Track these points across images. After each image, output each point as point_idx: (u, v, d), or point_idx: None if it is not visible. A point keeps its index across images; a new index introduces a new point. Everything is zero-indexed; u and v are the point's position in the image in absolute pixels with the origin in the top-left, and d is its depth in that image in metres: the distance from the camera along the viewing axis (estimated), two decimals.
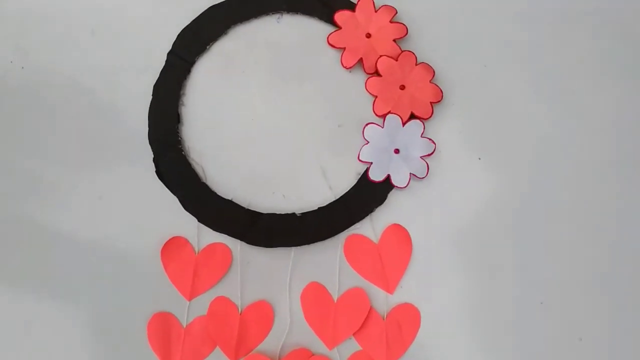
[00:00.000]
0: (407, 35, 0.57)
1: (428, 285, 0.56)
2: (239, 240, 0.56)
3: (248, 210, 0.56)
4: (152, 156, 0.57)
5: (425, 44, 0.58)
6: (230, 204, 0.56)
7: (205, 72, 0.58)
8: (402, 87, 0.56)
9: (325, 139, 0.57)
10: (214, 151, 0.57)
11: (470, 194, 0.57)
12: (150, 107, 0.57)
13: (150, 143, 0.57)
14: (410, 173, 0.56)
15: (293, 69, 0.58)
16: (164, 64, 0.58)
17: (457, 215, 0.57)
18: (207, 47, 0.58)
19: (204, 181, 0.57)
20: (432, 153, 0.56)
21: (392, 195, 0.56)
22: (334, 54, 0.57)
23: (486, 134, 0.58)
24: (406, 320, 0.55)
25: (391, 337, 0.55)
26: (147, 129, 0.57)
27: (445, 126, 0.57)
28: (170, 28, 0.58)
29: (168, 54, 0.58)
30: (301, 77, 0.58)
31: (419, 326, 0.55)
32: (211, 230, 0.56)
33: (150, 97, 0.57)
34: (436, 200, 0.57)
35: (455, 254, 0.56)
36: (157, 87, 0.57)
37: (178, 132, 0.57)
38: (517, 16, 0.59)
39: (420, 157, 0.56)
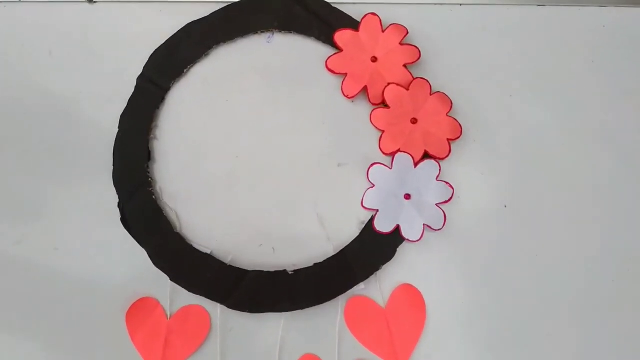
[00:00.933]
0: (419, 60, 0.49)
1: (449, 354, 0.47)
2: (219, 304, 0.47)
3: (230, 266, 0.47)
4: (117, 200, 0.47)
5: (441, 70, 0.50)
6: (209, 259, 0.47)
7: (182, 99, 0.50)
8: (414, 121, 0.48)
9: (323, 180, 0.49)
10: (190, 194, 0.49)
11: (495, 250, 0.48)
12: (115, 142, 0.49)
13: (115, 184, 0.48)
14: (424, 224, 0.47)
15: (285, 98, 0.50)
16: (133, 90, 0.49)
17: (480, 275, 0.48)
18: (185, 70, 0.50)
19: (178, 230, 0.48)
20: (449, 199, 0.47)
21: (403, 250, 0.48)
22: (333, 81, 0.50)
23: (514, 176, 0.49)
24: None
25: None
26: (111, 167, 0.48)
27: (465, 167, 0.49)
28: (141, 48, 0.50)
29: (138, 78, 0.49)
30: (295, 107, 0.50)
31: None
32: (186, 290, 0.47)
33: (116, 130, 0.48)
34: (455, 257, 0.48)
35: (479, 322, 0.47)
36: (124, 118, 0.49)
37: (148, 171, 0.48)
38: (549, 39, 0.51)
39: (436, 204, 0.47)
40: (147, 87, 0.49)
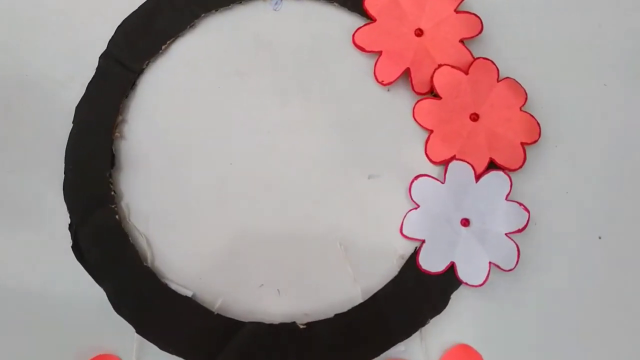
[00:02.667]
0: (482, 34, 0.36)
1: None
2: None
3: (219, 315, 0.34)
4: (68, 221, 0.35)
5: (512, 47, 0.37)
6: (189, 305, 0.34)
7: (159, 85, 0.38)
8: (475, 117, 0.35)
9: (347, 198, 0.36)
10: (167, 214, 0.36)
11: (587, 297, 0.35)
12: (69, 141, 0.36)
13: (67, 199, 0.36)
14: (489, 262, 0.33)
15: (297, 85, 0.37)
16: (93, 72, 0.36)
17: (567, 334, 0.34)
18: (163, 47, 0.37)
19: (149, 264, 0.35)
20: (524, 227, 0.34)
21: (459, 298, 0.34)
22: (362, 62, 0.36)
23: (611, 196, 0.36)
24: None
25: None
26: (62, 175, 0.35)
27: (545, 182, 0.35)
28: (105, 17, 0.38)
29: (100, 57, 0.37)
30: (310, 97, 0.37)
31: None
32: (157, 348, 0.34)
33: (70, 125, 0.36)
34: (532, 307, 0.34)
35: None
36: (81, 109, 0.37)
37: (111, 182, 0.36)
38: None
39: (506, 234, 0.34)
40: (112, 69, 0.37)
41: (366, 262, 0.35)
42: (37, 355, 0.35)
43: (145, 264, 0.35)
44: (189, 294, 0.35)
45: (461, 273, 0.34)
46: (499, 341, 0.34)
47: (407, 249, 0.35)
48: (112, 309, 0.34)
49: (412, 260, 0.34)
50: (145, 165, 0.36)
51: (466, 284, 0.34)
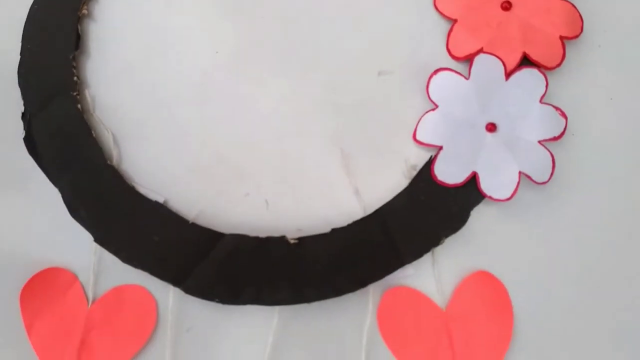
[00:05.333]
0: None
1: None
2: (172, 286, 0.28)
3: (194, 226, 0.29)
4: (21, 109, 0.29)
5: None
6: (160, 212, 0.29)
7: None
8: (507, 6, 0.29)
9: (352, 97, 0.30)
10: (139, 108, 0.30)
11: (629, 222, 0.29)
12: (28, 16, 0.31)
13: (21, 84, 0.30)
14: (519, 171, 0.28)
15: None
16: None
17: (602, 260, 0.29)
18: None
19: (112, 162, 0.29)
20: (560, 135, 0.28)
21: (479, 216, 0.29)
22: None
23: None
24: None
25: None
26: (17, 57, 0.30)
27: (586, 86, 0.30)
28: None
29: None
30: None
31: None
32: (120, 261, 0.28)
33: None
34: (565, 230, 0.29)
35: (594, 332, 0.29)
36: None
37: (74, 66, 0.30)
38: None
39: (539, 141, 0.28)
40: None
41: (371, 172, 0.30)
42: None
43: (109, 163, 0.29)
44: (160, 199, 0.29)
45: (484, 185, 0.28)
46: (525, 269, 0.29)
47: (420, 158, 0.29)
48: (66, 211, 0.29)
49: (426, 170, 0.29)
50: (116, 49, 0.31)
51: (490, 197, 0.28)
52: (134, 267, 0.28)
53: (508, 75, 0.29)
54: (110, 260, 0.29)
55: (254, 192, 0.30)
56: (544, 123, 0.29)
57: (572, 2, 0.29)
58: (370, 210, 0.29)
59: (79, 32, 0.31)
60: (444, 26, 0.30)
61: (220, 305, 0.28)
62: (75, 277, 0.29)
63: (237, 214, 0.30)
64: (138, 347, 0.29)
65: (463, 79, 0.29)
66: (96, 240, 0.29)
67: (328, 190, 0.30)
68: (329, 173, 0.30)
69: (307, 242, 0.28)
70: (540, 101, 0.29)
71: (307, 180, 0.30)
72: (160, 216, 0.29)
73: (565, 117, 0.28)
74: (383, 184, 0.29)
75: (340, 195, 0.29)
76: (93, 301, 0.29)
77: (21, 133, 0.29)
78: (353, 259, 0.28)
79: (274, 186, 0.30)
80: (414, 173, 0.29)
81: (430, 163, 0.29)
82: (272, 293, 0.28)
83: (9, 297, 0.29)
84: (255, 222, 0.29)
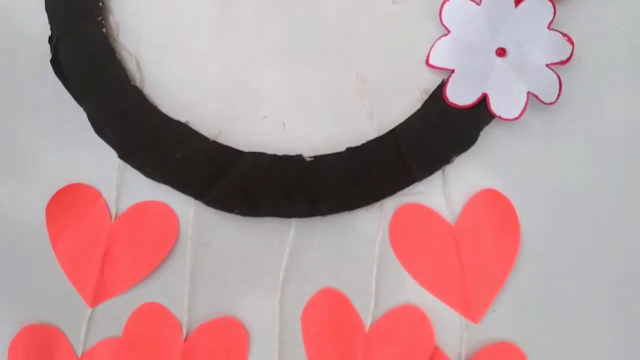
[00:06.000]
0: None
1: (546, 310, 0.29)
2: (193, 200, 0.29)
3: (216, 144, 0.30)
4: (49, 34, 0.31)
5: None
6: (182, 131, 0.30)
7: None
8: None
9: (367, 24, 0.31)
10: (160, 34, 0.31)
11: (632, 143, 0.30)
12: None
13: (48, 9, 0.31)
14: (527, 92, 0.29)
15: None
16: None
17: (612, 179, 0.30)
18: None
19: (137, 83, 0.31)
20: (567, 60, 0.29)
21: (489, 135, 0.30)
22: None
23: None
24: None
25: None
26: None
27: (592, 14, 0.31)
28: None
29: None
30: None
31: None
32: (143, 176, 0.30)
33: None
34: (570, 151, 0.30)
35: (599, 250, 0.30)
36: None
37: None
38: None
39: (547, 65, 0.29)
40: None
41: (385, 96, 0.31)
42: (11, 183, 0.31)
43: (133, 84, 0.31)
44: (183, 119, 0.30)
45: (494, 105, 0.30)
46: (531, 187, 0.30)
47: (432, 82, 0.31)
48: (92, 130, 0.30)
49: (438, 93, 0.30)
50: None
51: (499, 117, 0.29)
52: (157, 181, 0.30)
53: (517, 2, 0.30)
54: (133, 178, 0.30)
55: (271, 115, 0.31)
56: (551, 48, 0.30)
57: None
58: (384, 132, 0.30)
59: None
60: None
61: (238, 220, 0.30)
62: (98, 194, 0.31)
63: (255, 135, 0.31)
64: (159, 260, 0.30)
65: (474, 5, 0.30)
66: (120, 156, 0.30)
67: (343, 114, 0.31)
68: (343, 97, 0.31)
69: (323, 160, 0.30)
70: (549, 27, 0.30)
71: (322, 103, 0.31)
72: (183, 134, 0.30)
73: (572, 43, 0.30)
74: (396, 107, 0.31)
75: (355, 118, 0.31)
76: (116, 216, 0.30)
77: (48, 56, 0.31)
78: (366, 176, 0.30)
79: (291, 109, 0.31)
80: (426, 97, 0.31)
81: (442, 86, 0.30)
82: (289, 206, 0.29)
83: (36, 214, 0.30)
84: (273, 144, 0.31)
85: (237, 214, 0.29)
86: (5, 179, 0.31)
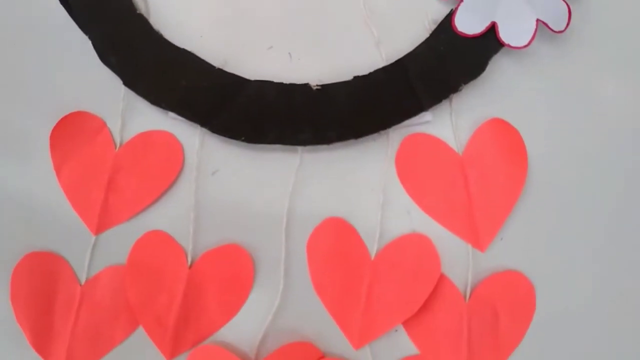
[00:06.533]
0: None
1: (554, 238, 0.29)
2: (199, 127, 0.29)
3: (221, 71, 0.30)
4: None
5: None
6: (188, 57, 0.30)
7: None
8: None
9: None
10: None
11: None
12: None
13: None
14: (537, 19, 0.29)
15: None
16: None
17: (615, 106, 0.30)
18: None
19: (142, 11, 0.30)
20: None
21: (497, 64, 0.30)
22: None
23: None
24: (510, 301, 0.29)
25: (478, 332, 0.28)
26: None
27: None
28: None
29: None
30: None
31: (532, 312, 0.29)
32: (149, 104, 0.29)
33: None
34: (578, 83, 0.30)
35: (605, 179, 0.30)
36: None
37: None
38: None
39: None
40: None
41: (393, 26, 0.30)
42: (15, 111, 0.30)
43: (138, 12, 0.30)
44: (188, 47, 0.30)
45: (503, 33, 0.29)
46: (539, 117, 0.30)
47: (441, 13, 0.30)
48: (96, 57, 0.30)
49: (446, 22, 0.30)
50: None
51: (508, 45, 0.29)
52: (162, 108, 0.29)
53: None
54: (137, 108, 0.30)
55: (277, 45, 0.31)
56: None
57: None
58: (392, 60, 0.30)
59: None
60: None
61: (244, 149, 0.29)
62: (103, 122, 0.30)
63: (261, 65, 0.30)
64: (163, 188, 0.30)
65: None
66: (125, 83, 0.29)
67: (350, 43, 0.31)
68: (351, 26, 0.31)
69: (330, 88, 0.29)
70: None
71: (329, 33, 0.31)
72: (188, 62, 0.30)
73: None
74: (404, 37, 0.30)
75: (362, 47, 0.30)
76: (120, 145, 0.30)
77: None
78: (374, 104, 0.29)
79: (297, 39, 0.31)
80: (435, 26, 0.30)
81: (450, 15, 0.30)
82: (295, 134, 0.29)
83: (41, 138, 0.30)
84: (279, 73, 0.30)
85: (243, 140, 0.29)
86: (10, 106, 0.30)
